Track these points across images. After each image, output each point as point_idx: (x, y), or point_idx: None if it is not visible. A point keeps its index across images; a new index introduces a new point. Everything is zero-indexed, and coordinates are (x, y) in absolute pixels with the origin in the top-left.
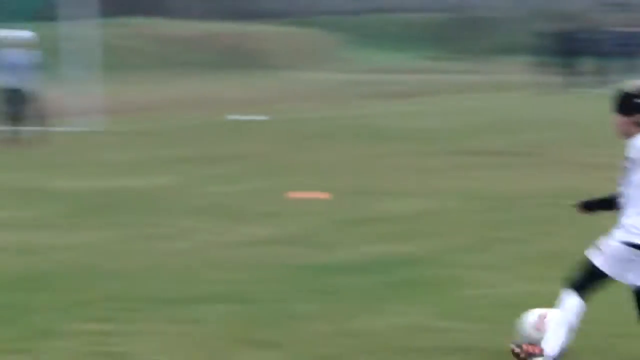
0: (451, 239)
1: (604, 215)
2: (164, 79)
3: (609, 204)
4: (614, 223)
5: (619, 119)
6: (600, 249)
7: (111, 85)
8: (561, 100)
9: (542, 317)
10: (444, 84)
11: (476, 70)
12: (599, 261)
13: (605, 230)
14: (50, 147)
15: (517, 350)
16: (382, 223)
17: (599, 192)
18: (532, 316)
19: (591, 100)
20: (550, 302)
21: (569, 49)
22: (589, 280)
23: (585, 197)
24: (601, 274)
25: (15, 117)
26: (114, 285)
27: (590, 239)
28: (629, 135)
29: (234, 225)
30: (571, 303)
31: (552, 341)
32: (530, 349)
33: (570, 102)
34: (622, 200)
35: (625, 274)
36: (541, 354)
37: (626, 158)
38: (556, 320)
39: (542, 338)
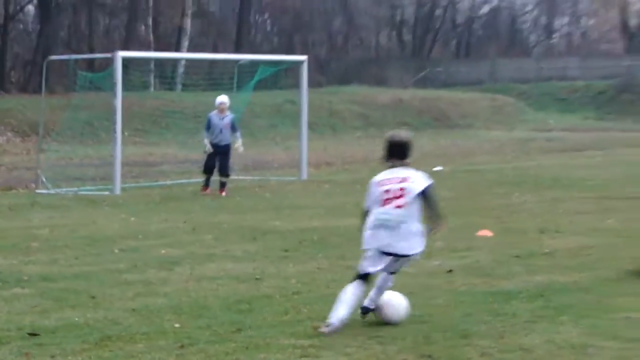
0: (603, 271)
1: None
2: (369, 137)
3: None
4: None
5: None
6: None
7: (320, 141)
8: None
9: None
10: (607, 141)
11: (635, 129)
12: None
13: None
14: (268, 193)
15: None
16: (546, 257)
17: None
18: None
19: None
20: None
21: None
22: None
23: None
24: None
25: (222, 170)
26: (316, 307)
27: None
28: None
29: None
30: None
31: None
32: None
33: None
34: None
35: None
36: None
37: None
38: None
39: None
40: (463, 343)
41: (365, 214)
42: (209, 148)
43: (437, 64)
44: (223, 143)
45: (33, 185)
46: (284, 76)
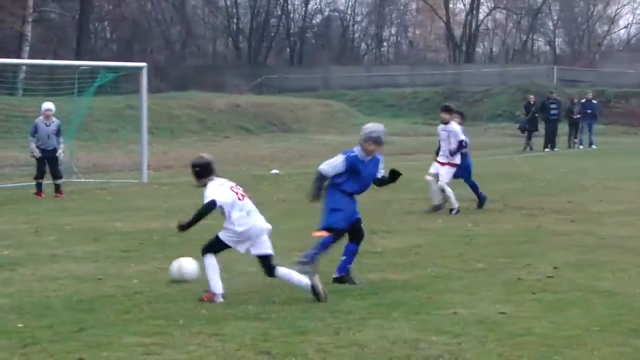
0: (432, 269)
1: None
2: (206, 141)
3: None
4: None
5: None
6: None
7: (160, 145)
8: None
9: (180, 265)
10: (434, 145)
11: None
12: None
13: None
14: (110, 196)
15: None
16: (378, 255)
17: None
18: (175, 265)
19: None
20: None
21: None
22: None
23: None
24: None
25: (54, 173)
26: (157, 306)
27: None
28: None
29: None
30: (209, 259)
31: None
32: (207, 295)
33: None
34: None
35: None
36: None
37: None
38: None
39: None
40: (300, 339)
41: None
42: (37, 152)
43: (272, 71)
44: (50, 148)
45: None
46: (124, 82)
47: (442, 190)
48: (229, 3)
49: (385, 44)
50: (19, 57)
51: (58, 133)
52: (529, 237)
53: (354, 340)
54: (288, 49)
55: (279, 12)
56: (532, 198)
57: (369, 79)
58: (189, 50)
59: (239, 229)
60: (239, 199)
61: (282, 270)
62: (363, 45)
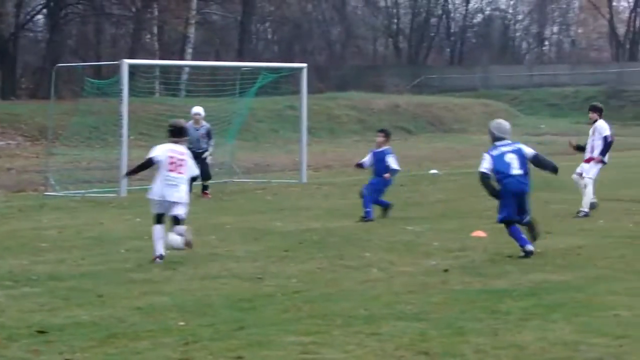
0: (593, 270)
1: None
2: (366, 141)
3: None
4: None
5: None
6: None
7: (320, 145)
8: None
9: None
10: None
11: (623, 134)
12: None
13: None
14: (270, 195)
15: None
16: (537, 256)
17: None
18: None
19: None
20: None
21: None
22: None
23: None
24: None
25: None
26: (316, 305)
27: None
28: None
29: (422, 258)
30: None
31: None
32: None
33: None
34: None
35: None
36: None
37: None
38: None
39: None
40: (458, 340)
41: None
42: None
43: (432, 71)
44: (200, 150)
45: (42, 188)
46: (285, 83)
47: (585, 186)
48: (389, 3)
49: (546, 42)
50: (182, 58)
51: (208, 136)
52: None
53: (513, 342)
54: (448, 49)
55: (440, 12)
56: None
57: (530, 79)
58: (349, 51)
59: (154, 188)
60: (170, 169)
61: (171, 234)
62: (524, 44)
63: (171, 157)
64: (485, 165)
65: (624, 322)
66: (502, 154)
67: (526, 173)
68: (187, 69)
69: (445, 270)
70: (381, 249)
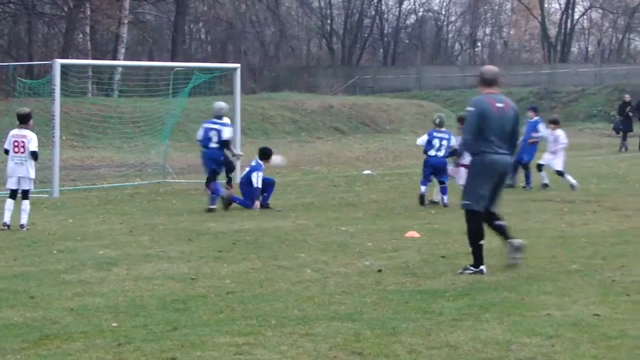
0: (525, 270)
1: None
2: (300, 142)
3: None
4: None
5: None
6: None
7: (253, 146)
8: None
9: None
10: None
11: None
12: None
13: None
14: (203, 196)
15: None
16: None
17: None
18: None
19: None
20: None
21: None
22: None
23: None
24: None
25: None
26: (250, 306)
27: None
28: None
29: (356, 259)
30: (9, 201)
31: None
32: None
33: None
34: None
35: None
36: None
37: None
38: None
39: None
40: (392, 340)
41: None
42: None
43: (366, 71)
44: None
45: None
46: (218, 83)
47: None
48: (323, 4)
49: (479, 44)
50: (115, 58)
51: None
52: (623, 238)
53: (446, 342)
54: (381, 50)
55: (373, 13)
56: (627, 199)
57: (463, 80)
58: (283, 51)
59: (7, 167)
60: (14, 151)
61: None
62: (457, 46)
63: (15, 141)
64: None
65: (556, 321)
66: None
67: None
68: (120, 69)
69: (379, 271)
70: (315, 249)
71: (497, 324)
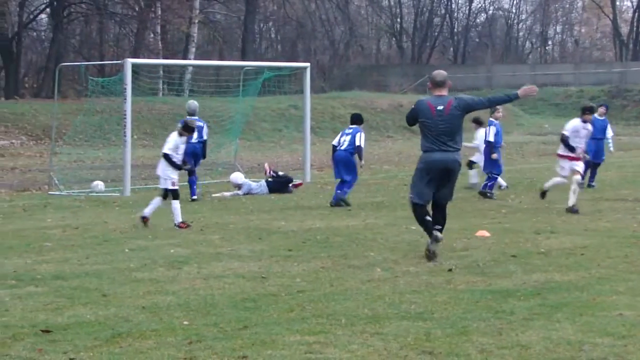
0: (597, 270)
1: None
2: (369, 140)
3: None
4: None
5: None
6: None
7: (323, 144)
8: None
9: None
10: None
11: (626, 133)
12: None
13: None
14: (274, 195)
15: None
16: (541, 256)
17: None
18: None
19: None
20: None
21: None
22: None
23: None
24: None
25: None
26: (320, 305)
27: None
28: None
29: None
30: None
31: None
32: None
33: None
34: None
35: None
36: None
37: None
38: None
39: None
40: (463, 340)
41: None
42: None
43: (435, 70)
44: None
45: (46, 187)
46: (288, 82)
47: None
48: (392, 3)
49: (550, 42)
50: (185, 58)
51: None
52: None
53: (517, 341)
54: (451, 48)
55: (443, 11)
56: None
57: (533, 78)
58: (353, 50)
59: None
60: None
61: None
62: (527, 44)
63: None
64: None
65: (628, 321)
66: None
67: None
68: (190, 69)
69: (450, 270)
70: (385, 248)
71: (568, 324)
